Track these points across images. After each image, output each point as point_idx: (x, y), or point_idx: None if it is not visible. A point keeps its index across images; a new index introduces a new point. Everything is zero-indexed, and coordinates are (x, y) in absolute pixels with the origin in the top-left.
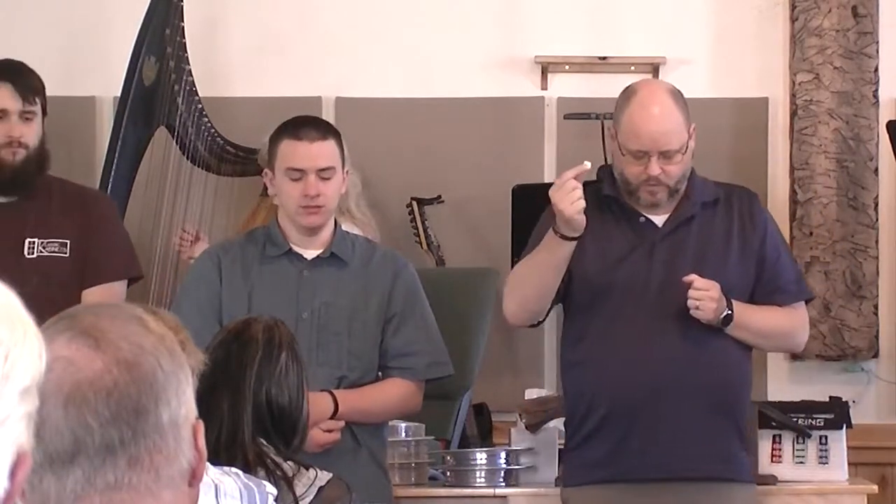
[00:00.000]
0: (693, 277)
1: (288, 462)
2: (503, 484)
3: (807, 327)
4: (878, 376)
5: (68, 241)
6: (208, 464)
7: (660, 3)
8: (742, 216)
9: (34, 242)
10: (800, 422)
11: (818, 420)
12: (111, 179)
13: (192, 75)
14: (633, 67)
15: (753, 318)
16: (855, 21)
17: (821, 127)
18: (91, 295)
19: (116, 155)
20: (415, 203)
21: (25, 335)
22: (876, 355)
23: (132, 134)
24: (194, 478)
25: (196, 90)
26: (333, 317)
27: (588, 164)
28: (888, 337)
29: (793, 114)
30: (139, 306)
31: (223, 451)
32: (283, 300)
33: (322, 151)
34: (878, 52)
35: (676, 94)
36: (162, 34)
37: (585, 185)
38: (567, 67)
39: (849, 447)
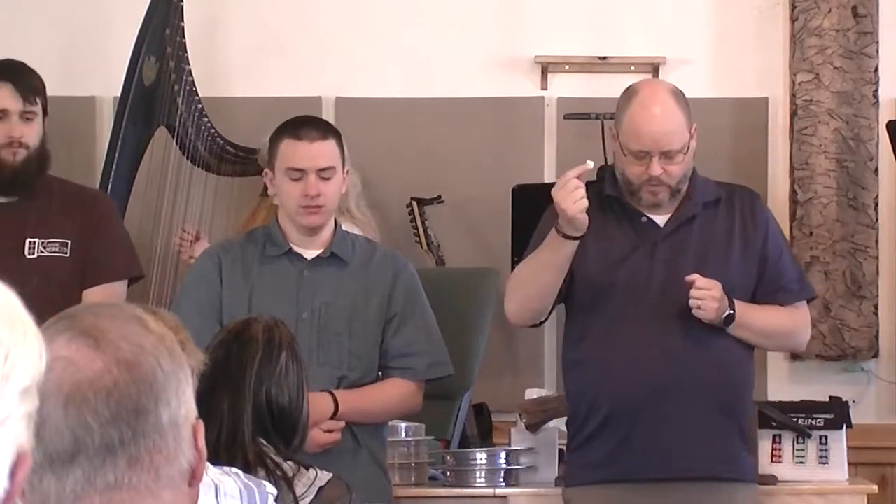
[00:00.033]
0: (695, 277)
1: (288, 462)
2: (503, 484)
3: (809, 326)
4: (878, 376)
5: (69, 242)
6: (208, 464)
7: (660, 3)
8: (744, 216)
9: (35, 242)
10: (800, 422)
11: (818, 420)
12: (111, 179)
13: (192, 75)
14: (633, 67)
15: (755, 318)
16: (855, 21)
17: (821, 127)
18: (92, 295)
19: (116, 155)
20: (415, 203)
21: (25, 335)
22: (876, 355)
23: (132, 134)
24: (194, 478)
25: (196, 90)
26: (334, 317)
27: (591, 164)
28: (888, 337)
29: (793, 114)
30: (139, 306)
31: (223, 451)
32: (283, 300)
33: (322, 151)
34: (878, 52)
35: (678, 94)
36: (162, 34)
37: (587, 185)
38: (567, 67)
39: (849, 447)
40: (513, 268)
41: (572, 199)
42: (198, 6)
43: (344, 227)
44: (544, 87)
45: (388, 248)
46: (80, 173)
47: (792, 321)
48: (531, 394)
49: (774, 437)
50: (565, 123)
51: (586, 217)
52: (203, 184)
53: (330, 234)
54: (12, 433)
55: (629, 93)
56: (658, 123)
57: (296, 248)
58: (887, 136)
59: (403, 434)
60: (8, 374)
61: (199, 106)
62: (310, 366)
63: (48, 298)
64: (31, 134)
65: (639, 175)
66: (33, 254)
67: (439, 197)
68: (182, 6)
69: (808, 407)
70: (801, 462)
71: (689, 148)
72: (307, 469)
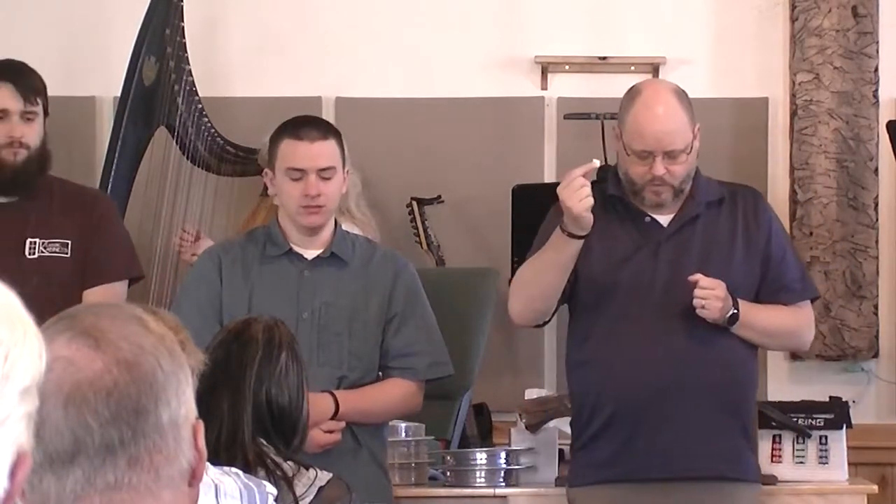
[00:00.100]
0: (698, 276)
1: (288, 462)
2: (503, 484)
3: (812, 326)
4: (878, 376)
5: (69, 242)
6: (208, 464)
7: (660, 3)
8: (747, 215)
9: (35, 242)
10: (800, 422)
11: (818, 420)
12: (111, 179)
13: (192, 75)
14: (633, 67)
15: (759, 317)
16: (855, 21)
17: (821, 127)
18: (92, 295)
19: (116, 155)
20: (415, 203)
21: (25, 335)
22: (876, 355)
23: (132, 134)
24: (194, 478)
25: (196, 90)
26: (334, 317)
27: (597, 162)
28: (888, 337)
29: (793, 114)
30: (139, 306)
31: (223, 451)
32: (283, 300)
33: (323, 151)
34: (878, 52)
35: (681, 94)
36: (162, 34)
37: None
38: (567, 67)
39: (849, 447)
40: (513, 268)
41: (578, 198)
42: (198, 6)
43: (344, 227)
44: (544, 87)
45: (388, 248)
46: (80, 173)
47: (795, 320)
48: (531, 394)
49: (774, 437)
50: (565, 123)
51: (591, 216)
52: (203, 184)
53: (330, 234)
54: (12, 433)
55: (632, 93)
56: (661, 123)
57: (296, 248)
58: (887, 136)
59: (403, 434)
60: (8, 374)
61: (199, 106)
62: (310, 366)
63: (48, 298)
64: (31, 134)
65: (642, 175)
66: (34, 254)
67: (439, 197)
68: (182, 6)
69: (808, 407)
70: (801, 462)
71: (692, 148)
72: (307, 469)
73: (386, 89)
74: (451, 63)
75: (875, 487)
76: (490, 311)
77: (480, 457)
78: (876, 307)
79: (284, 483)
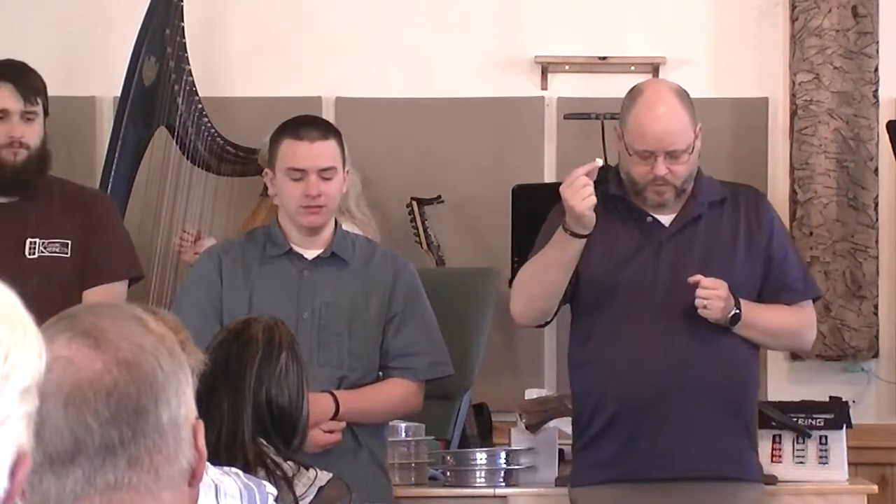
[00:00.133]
0: (699, 278)
1: (288, 462)
2: (503, 484)
3: (814, 325)
4: (878, 376)
5: (69, 242)
6: (208, 464)
7: (660, 3)
8: (748, 215)
9: (35, 243)
10: (800, 422)
11: (818, 420)
12: (111, 179)
13: (192, 75)
14: (633, 67)
15: (761, 317)
16: (855, 21)
17: (821, 127)
18: (92, 295)
19: (116, 155)
20: (415, 203)
21: (25, 335)
22: (876, 355)
23: (132, 134)
24: (194, 478)
25: (196, 90)
26: (334, 317)
27: (600, 161)
28: (888, 337)
29: (793, 114)
30: (139, 306)
31: (223, 451)
32: (283, 300)
33: (323, 151)
34: (878, 52)
35: (682, 94)
36: (162, 34)
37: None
38: (567, 67)
39: (849, 447)
40: (513, 268)
41: (580, 197)
42: (198, 6)
43: (344, 227)
44: (544, 87)
45: (389, 248)
46: (80, 173)
47: (798, 320)
48: (531, 394)
49: (774, 437)
50: (565, 123)
51: (594, 214)
52: (203, 184)
53: (330, 233)
54: (12, 433)
55: (634, 93)
56: (662, 123)
57: (296, 248)
58: (887, 136)
59: (403, 434)
60: (8, 374)
61: (199, 106)
62: (310, 366)
63: (48, 298)
64: (31, 134)
65: (644, 175)
66: (34, 254)
67: (439, 197)
68: (182, 6)
69: (808, 407)
70: (801, 462)
71: (693, 148)
72: (307, 469)
73: (386, 89)
74: (451, 63)
75: (875, 487)
76: (490, 311)
77: (480, 457)
78: (876, 307)
79: (284, 483)
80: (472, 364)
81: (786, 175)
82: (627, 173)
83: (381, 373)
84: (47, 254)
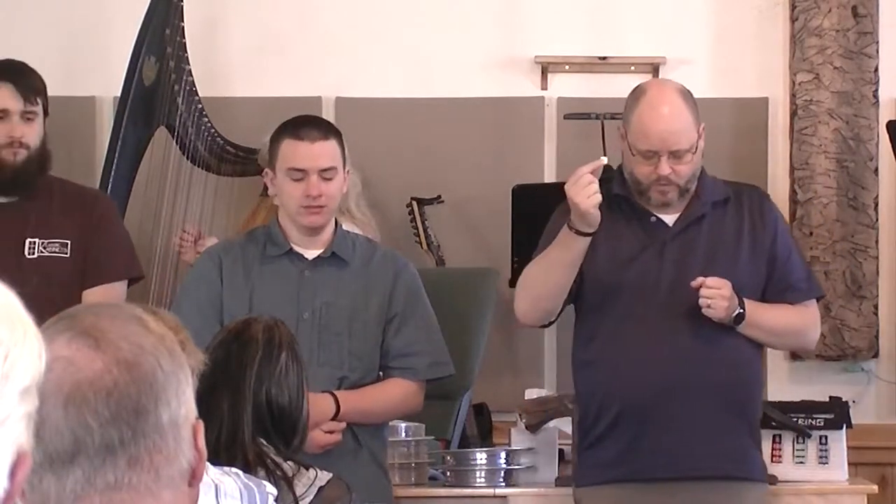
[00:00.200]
0: (701, 281)
1: (288, 462)
2: (503, 484)
3: (818, 325)
4: (878, 376)
5: (69, 242)
6: (208, 464)
7: (660, 3)
8: (752, 215)
9: (35, 242)
10: (800, 422)
11: (818, 420)
12: (111, 179)
13: (192, 75)
14: (633, 67)
15: (765, 317)
16: (855, 21)
17: (821, 127)
18: (92, 295)
19: (116, 155)
20: (415, 203)
21: (25, 335)
22: (876, 355)
23: (132, 134)
24: (194, 478)
25: (196, 90)
26: (334, 317)
27: (605, 160)
28: (888, 337)
29: (793, 114)
30: (139, 306)
31: (223, 451)
32: (283, 300)
33: (323, 151)
34: (878, 52)
35: (685, 94)
36: (162, 34)
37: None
38: (567, 67)
39: (849, 447)
40: (513, 268)
41: (586, 195)
42: (198, 6)
43: (344, 227)
44: (544, 87)
45: (389, 248)
46: (80, 173)
47: (801, 320)
48: (531, 394)
49: (774, 437)
50: (565, 123)
51: (598, 213)
52: (203, 184)
53: (330, 233)
54: (12, 433)
55: (637, 93)
56: (666, 123)
57: (296, 248)
58: (887, 136)
59: (403, 434)
60: (8, 374)
61: (199, 106)
62: (310, 366)
63: (48, 298)
64: (31, 134)
65: (647, 175)
66: (33, 254)
67: (439, 197)
68: (182, 6)
69: (808, 407)
70: (801, 462)
71: (697, 147)
72: (307, 469)
73: (386, 89)
74: (451, 63)
75: (875, 487)
76: (490, 311)
77: (480, 457)
78: (876, 307)
79: (284, 483)
80: (472, 364)
81: (786, 175)
82: (631, 173)
83: (381, 373)
84: (47, 254)
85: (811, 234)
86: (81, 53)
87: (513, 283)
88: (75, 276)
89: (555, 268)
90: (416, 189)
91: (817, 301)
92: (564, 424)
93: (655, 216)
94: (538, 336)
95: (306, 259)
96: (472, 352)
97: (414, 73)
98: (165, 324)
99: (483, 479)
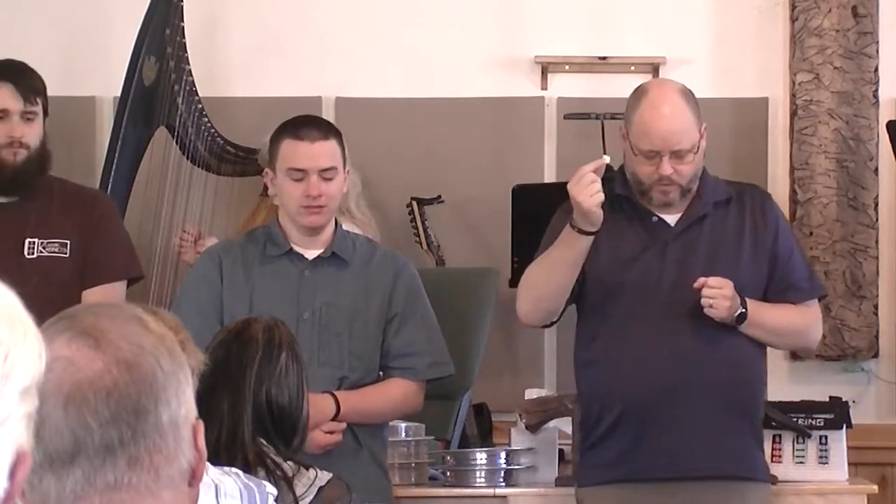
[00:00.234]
0: (703, 281)
1: (288, 462)
2: (503, 484)
3: (820, 324)
4: (878, 376)
5: (68, 242)
6: (208, 464)
7: (660, 3)
8: (754, 215)
9: (34, 242)
10: (800, 422)
11: (818, 420)
12: (111, 179)
13: (192, 75)
14: (633, 67)
15: (767, 316)
16: (855, 21)
17: (821, 127)
18: (91, 295)
19: (116, 155)
20: (415, 203)
21: (25, 335)
22: (876, 355)
23: (132, 134)
24: (194, 478)
25: (196, 90)
26: (334, 317)
27: (607, 158)
28: (888, 337)
29: (793, 114)
30: (139, 306)
31: (223, 451)
32: (284, 300)
33: (324, 151)
34: (878, 52)
35: (687, 94)
36: (162, 34)
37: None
38: (567, 67)
39: (849, 447)
40: (513, 268)
41: (588, 193)
42: (198, 6)
43: (344, 227)
44: (544, 87)
45: (389, 247)
46: (80, 173)
47: (803, 319)
48: (531, 394)
49: (774, 437)
50: (565, 123)
51: (601, 211)
52: (203, 184)
53: (330, 233)
54: (12, 433)
55: (638, 93)
56: (668, 123)
57: (296, 248)
58: (887, 136)
59: (403, 434)
60: (8, 374)
61: (199, 106)
62: (310, 366)
63: (48, 298)
64: (31, 134)
65: (649, 175)
66: (32, 254)
67: (439, 197)
68: (182, 6)
69: (808, 407)
70: (801, 462)
71: (699, 147)
72: (307, 469)
73: (386, 89)
74: (451, 63)
75: (875, 487)
76: (490, 311)
77: (480, 457)
78: (876, 307)
79: (284, 483)
80: (472, 364)
81: (786, 175)
82: (633, 173)
83: (381, 373)
84: (46, 254)
85: (811, 234)
86: (81, 53)
87: (513, 283)
88: (75, 276)
89: (557, 267)
90: (416, 189)
91: (820, 300)
92: (564, 424)
93: (657, 216)
94: (538, 336)
95: (306, 259)
96: (472, 352)
97: (414, 73)
98: (165, 324)
99: (483, 479)
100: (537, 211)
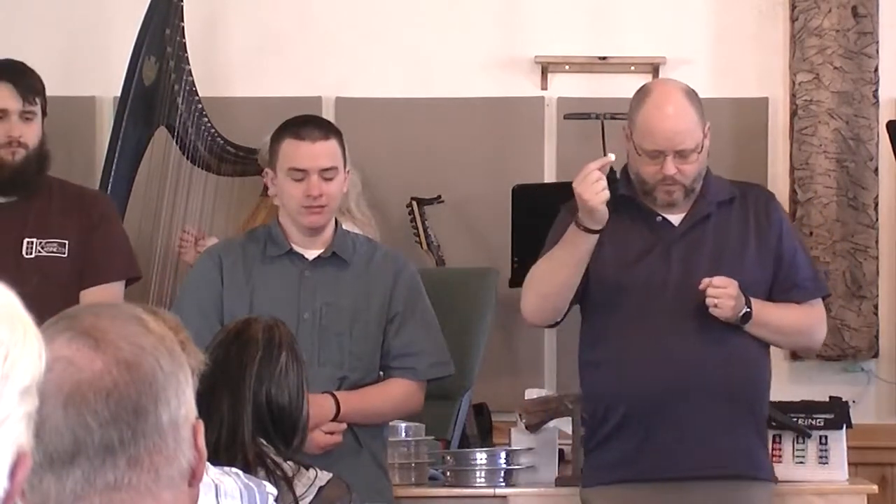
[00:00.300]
0: (708, 281)
1: (288, 462)
2: (503, 484)
3: (824, 323)
4: (878, 376)
5: (67, 242)
6: (208, 464)
7: (660, 3)
8: (758, 214)
9: (32, 242)
10: (800, 422)
11: (818, 420)
12: (111, 179)
13: (192, 75)
14: (633, 67)
15: (772, 316)
16: (855, 21)
17: (821, 127)
18: (89, 295)
19: (116, 155)
20: (415, 203)
21: (25, 335)
22: (876, 355)
23: (132, 134)
24: (194, 478)
25: (196, 90)
26: (335, 317)
27: (612, 156)
28: (888, 337)
29: (793, 114)
30: (139, 306)
31: (223, 451)
32: (284, 300)
33: (324, 151)
34: (878, 52)
35: (691, 94)
36: (162, 34)
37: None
38: (567, 67)
39: (849, 447)
40: (513, 268)
41: (594, 191)
42: (198, 6)
43: (344, 227)
44: (544, 87)
45: (389, 247)
46: (80, 173)
47: (808, 318)
48: (531, 394)
49: (774, 437)
50: (565, 123)
51: (606, 209)
52: (203, 184)
53: (331, 233)
54: (12, 433)
55: (642, 93)
56: (672, 123)
57: (297, 248)
58: (887, 136)
59: (403, 434)
60: (8, 374)
61: (199, 106)
62: (311, 366)
63: (46, 298)
64: (30, 134)
65: (653, 175)
66: (31, 254)
67: (439, 197)
68: (182, 6)
69: (808, 407)
70: (801, 462)
71: (702, 147)
72: (307, 469)
73: (386, 89)
74: (451, 63)
75: (875, 487)
76: (490, 311)
77: (480, 457)
78: (876, 307)
79: (284, 483)
80: (472, 364)
81: (786, 175)
82: (637, 173)
83: (381, 373)
84: (44, 254)
85: (811, 234)
86: (81, 53)
87: (513, 283)
88: (73, 276)
89: (562, 266)
90: (416, 189)
91: (824, 299)
92: (564, 424)
93: (661, 216)
94: (538, 336)
95: (306, 259)
96: (472, 352)
97: (414, 73)
98: (165, 324)
99: (483, 479)
100: (537, 211)
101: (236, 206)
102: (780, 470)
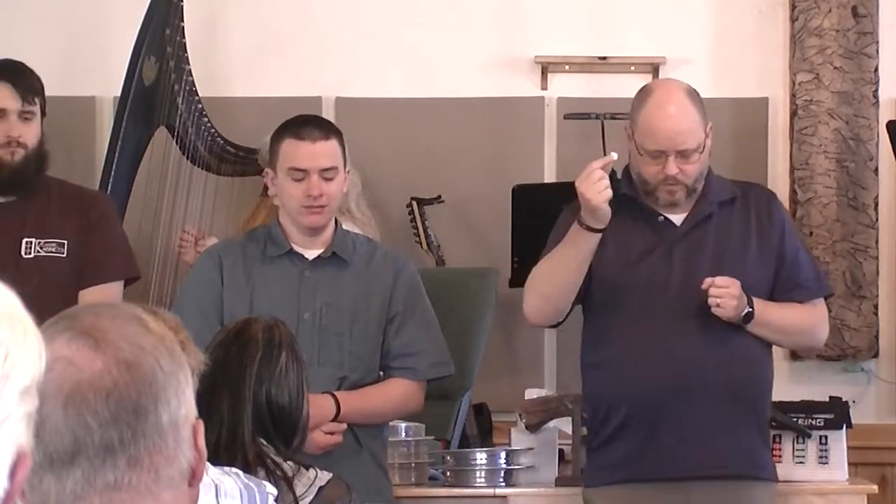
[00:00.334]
0: (710, 281)
1: (288, 462)
2: (503, 484)
3: (826, 323)
4: (878, 376)
5: (66, 242)
6: (208, 464)
7: (660, 3)
8: (760, 214)
9: (31, 242)
10: (800, 422)
11: (818, 420)
12: (111, 179)
13: (192, 75)
14: (633, 67)
15: (774, 315)
16: (855, 21)
17: (821, 127)
18: (88, 295)
19: (116, 155)
20: (415, 203)
21: (25, 335)
22: (876, 355)
23: (132, 134)
24: (194, 478)
25: (196, 90)
26: (335, 317)
27: (615, 155)
28: (888, 337)
29: (793, 114)
30: (139, 306)
31: (223, 451)
32: (284, 300)
33: (325, 151)
34: (878, 52)
35: (692, 94)
36: (162, 34)
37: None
38: (567, 67)
39: (849, 447)
40: (513, 268)
41: (597, 190)
42: (198, 6)
43: (344, 227)
44: (544, 87)
45: (389, 247)
46: (80, 173)
47: (810, 318)
48: (531, 394)
49: (774, 437)
50: (565, 123)
51: (609, 208)
52: (203, 184)
53: (331, 233)
54: (12, 433)
55: (644, 92)
56: (673, 122)
57: (297, 248)
58: (887, 136)
59: (403, 434)
60: (8, 374)
61: (199, 106)
62: (311, 366)
63: (45, 298)
64: (29, 134)
65: (655, 174)
66: (30, 254)
67: (439, 197)
68: (182, 6)
69: (808, 407)
70: (801, 462)
71: (704, 147)
72: (307, 469)
73: (386, 89)
74: (451, 63)
75: (875, 487)
76: (490, 311)
77: (480, 457)
78: (876, 307)
79: (284, 483)
80: (472, 364)
81: (786, 175)
82: (638, 173)
83: (382, 373)
84: (43, 254)
85: (811, 234)
86: (81, 53)
87: (513, 283)
88: (72, 276)
89: (564, 266)
90: (416, 189)
91: (826, 299)
92: (564, 424)
93: (663, 216)
94: (538, 336)
95: (306, 259)
96: (472, 352)
97: (414, 73)
98: (165, 324)
99: (483, 479)
100: (537, 211)
101: (236, 206)
102: (781, 470)
